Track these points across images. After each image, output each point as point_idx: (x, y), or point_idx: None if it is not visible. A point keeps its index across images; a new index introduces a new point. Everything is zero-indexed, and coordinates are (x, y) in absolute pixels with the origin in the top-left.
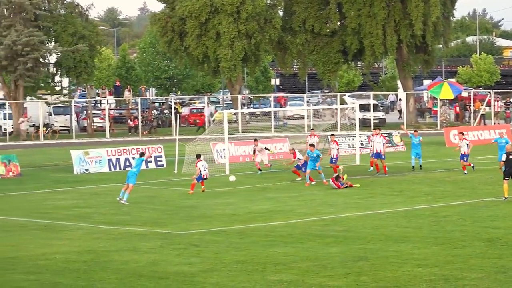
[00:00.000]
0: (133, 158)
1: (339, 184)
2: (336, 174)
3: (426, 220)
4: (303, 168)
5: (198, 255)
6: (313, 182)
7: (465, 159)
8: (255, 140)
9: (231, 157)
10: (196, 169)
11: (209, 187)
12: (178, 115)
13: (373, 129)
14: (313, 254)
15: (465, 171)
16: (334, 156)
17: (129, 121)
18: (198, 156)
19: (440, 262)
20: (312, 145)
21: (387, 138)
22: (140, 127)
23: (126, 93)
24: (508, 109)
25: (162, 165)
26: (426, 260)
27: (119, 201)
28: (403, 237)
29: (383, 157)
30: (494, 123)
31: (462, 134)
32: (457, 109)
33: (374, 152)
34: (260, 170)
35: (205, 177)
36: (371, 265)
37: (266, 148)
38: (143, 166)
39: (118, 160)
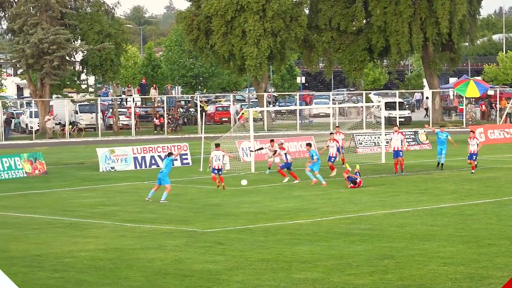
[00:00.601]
0: (159, 156)
1: (354, 180)
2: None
3: (452, 218)
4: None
5: (223, 253)
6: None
7: (474, 158)
8: (272, 140)
9: (256, 155)
10: None
11: (234, 185)
12: (204, 113)
13: (393, 126)
14: (338, 252)
15: (473, 171)
16: (333, 155)
17: (154, 119)
18: (217, 146)
19: (465, 261)
20: (308, 144)
21: (408, 135)
22: (165, 125)
23: (152, 91)
24: None
25: (188, 163)
26: (452, 258)
27: (147, 200)
28: (429, 235)
29: (401, 154)
30: None
31: (473, 132)
32: (483, 107)
33: (393, 150)
34: (269, 168)
35: (216, 167)
36: (397, 263)
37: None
38: None
39: (144, 158)
